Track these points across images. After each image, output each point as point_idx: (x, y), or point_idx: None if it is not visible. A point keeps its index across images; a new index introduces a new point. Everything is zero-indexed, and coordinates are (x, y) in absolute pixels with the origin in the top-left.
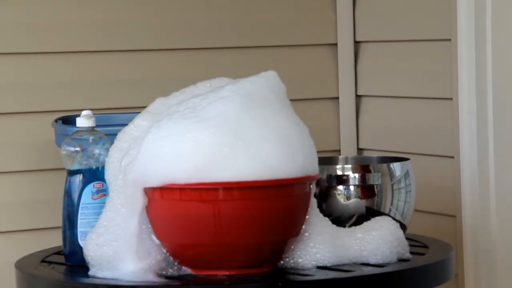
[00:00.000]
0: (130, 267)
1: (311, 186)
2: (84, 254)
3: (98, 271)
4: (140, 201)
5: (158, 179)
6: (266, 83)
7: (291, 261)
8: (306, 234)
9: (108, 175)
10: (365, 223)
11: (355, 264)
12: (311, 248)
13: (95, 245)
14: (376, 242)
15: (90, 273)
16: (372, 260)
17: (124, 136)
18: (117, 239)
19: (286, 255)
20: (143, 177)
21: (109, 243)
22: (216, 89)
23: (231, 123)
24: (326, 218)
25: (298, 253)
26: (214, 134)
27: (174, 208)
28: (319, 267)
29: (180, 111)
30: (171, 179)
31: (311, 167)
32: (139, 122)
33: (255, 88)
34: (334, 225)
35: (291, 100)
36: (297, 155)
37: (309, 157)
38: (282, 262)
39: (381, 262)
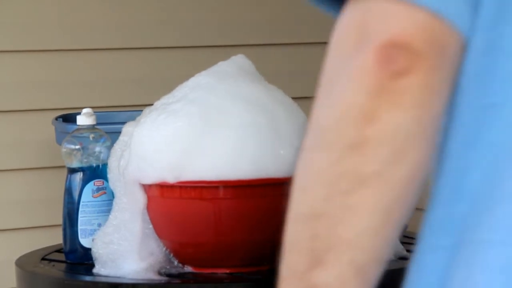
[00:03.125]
0: (132, 266)
1: None
2: (92, 251)
3: (101, 269)
4: (140, 200)
5: (150, 178)
6: (236, 66)
7: None
8: None
9: (111, 181)
10: None
11: None
12: None
13: (103, 243)
14: None
15: (94, 270)
16: None
17: (119, 146)
18: (123, 238)
19: None
20: (139, 177)
21: (116, 241)
22: (188, 80)
23: (204, 111)
24: None
25: None
26: (187, 125)
27: (174, 206)
28: None
29: (157, 108)
30: (160, 177)
31: None
32: (127, 129)
33: (227, 70)
34: None
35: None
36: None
37: None
38: None
39: None
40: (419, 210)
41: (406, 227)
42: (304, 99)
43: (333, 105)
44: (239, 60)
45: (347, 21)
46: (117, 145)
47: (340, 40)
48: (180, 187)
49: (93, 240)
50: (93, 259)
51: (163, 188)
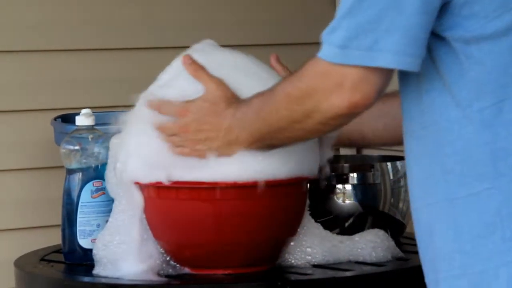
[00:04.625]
0: (132, 268)
1: (308, 184)
2: (93, 253)
3: (101, 270)
4: (139, 202)
5: (146, 178)
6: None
7: (290, 260)
8: (303, 233)
9: (110, 189)
10: (357, 234)
11: (352, 262)
12: (306, 248)
13: (103, 245)
14: (371, 245)
15: (94, 271)
16: (368, 259)
17: (110, 160)
18: (122, 240)
19: (284, 254)
20: (134, 178)
21: (115, 244)
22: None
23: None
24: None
25: (296, 251)
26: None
27: (171, 207)
28: (317, 266)
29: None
30: (154, 177)
31: (308, 165)
32: (114, 141)
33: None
34: (327, 231)
35: None
36: (294, 153)
37: (307, 155)
38: (280, 261)
39: (375, 260)
40: None
41: (405, 227)
42: None
43: (308, 104)
44: (206, 42)
45: (327, 69)
46: (109, 159)
47: (323, 75)
48: (177, 188)
49: (91, 241)
50: (94, 261)
51: (159, 189)
